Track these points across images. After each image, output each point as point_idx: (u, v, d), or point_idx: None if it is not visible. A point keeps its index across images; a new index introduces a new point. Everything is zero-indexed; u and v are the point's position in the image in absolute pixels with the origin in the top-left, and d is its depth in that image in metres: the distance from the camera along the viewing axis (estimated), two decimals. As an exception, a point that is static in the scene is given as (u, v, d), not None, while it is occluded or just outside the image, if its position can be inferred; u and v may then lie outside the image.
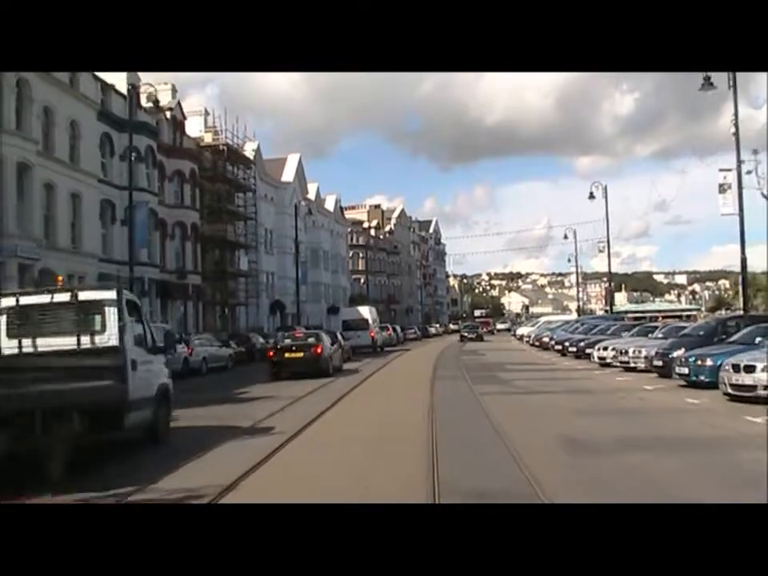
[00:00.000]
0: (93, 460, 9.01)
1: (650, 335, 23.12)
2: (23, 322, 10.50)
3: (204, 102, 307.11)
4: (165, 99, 44.22)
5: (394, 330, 56.46)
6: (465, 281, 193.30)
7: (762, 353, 13.64)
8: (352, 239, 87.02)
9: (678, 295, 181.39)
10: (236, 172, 51.04)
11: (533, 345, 41.02)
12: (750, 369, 12.91)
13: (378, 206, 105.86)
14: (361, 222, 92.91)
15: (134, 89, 38.47)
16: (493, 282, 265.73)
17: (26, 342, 10.22)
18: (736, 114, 26.12)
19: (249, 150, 54.79)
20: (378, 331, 45.13)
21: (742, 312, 25.96)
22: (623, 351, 21.71)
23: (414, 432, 10.89)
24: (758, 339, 15.57)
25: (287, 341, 25.55)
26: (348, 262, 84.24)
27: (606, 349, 23.56)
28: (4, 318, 10.50)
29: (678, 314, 56.56)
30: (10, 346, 10.25)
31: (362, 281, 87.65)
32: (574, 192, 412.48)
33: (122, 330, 10.27)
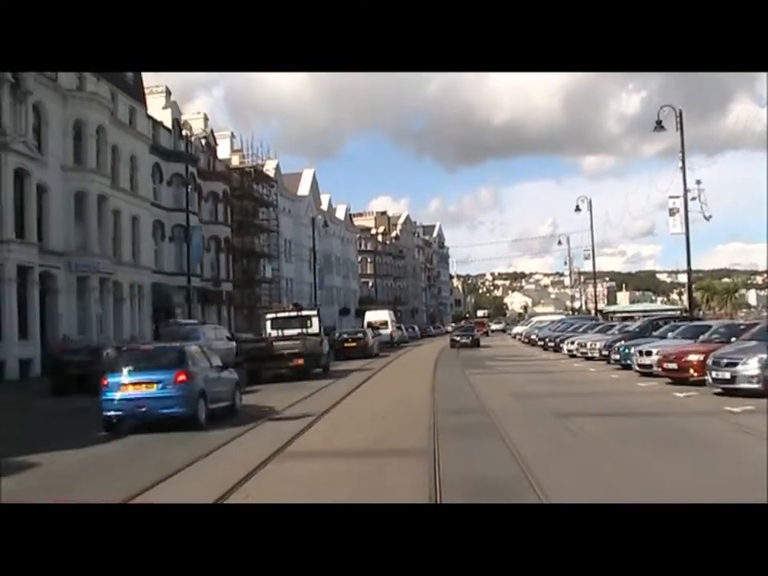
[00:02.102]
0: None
1: (608, 332, 29.16)
2: (277, 323, 27.47)
3: (210, 102, 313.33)
4: (198, 127, 50.76)
5: (413, 328, 66.73)
6: (469, 281, 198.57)
7: (661, 342, 19.80)
8: (360, 245, 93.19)
9: (668, 296, 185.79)
10: (261, 190, 57.24)
11: (523, 342, 47.13)
12: (648, 353, 19.03)
13: (384, 213, 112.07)
14: (369, 229, 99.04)
15: (177, 123, 44.96)
16: (497, 282, 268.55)
17: (280, 332, 26.34)
18: (683, 153, 32.02)
19: (270, 168, 61.06)
20: (396, 330, 52.98)
21: (686, 313, 32.09)
22: (583, 344, 27.88)
23: (424, 387, 17.39)
24: (669, 334, 21.66)
25: (344, 335, 37.88)
26: (357, 267, 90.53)
27: (572, 343, 29.70)
28: (269, 321, 28.09)
29: (661, 313, 61.69)
30: (272, 334, 26.35)
31: (371, 284, 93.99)
32: (578, 192, 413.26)
33: (319, 326, 27.54)
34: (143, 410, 12.32)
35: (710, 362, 14.59)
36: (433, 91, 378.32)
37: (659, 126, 31.67)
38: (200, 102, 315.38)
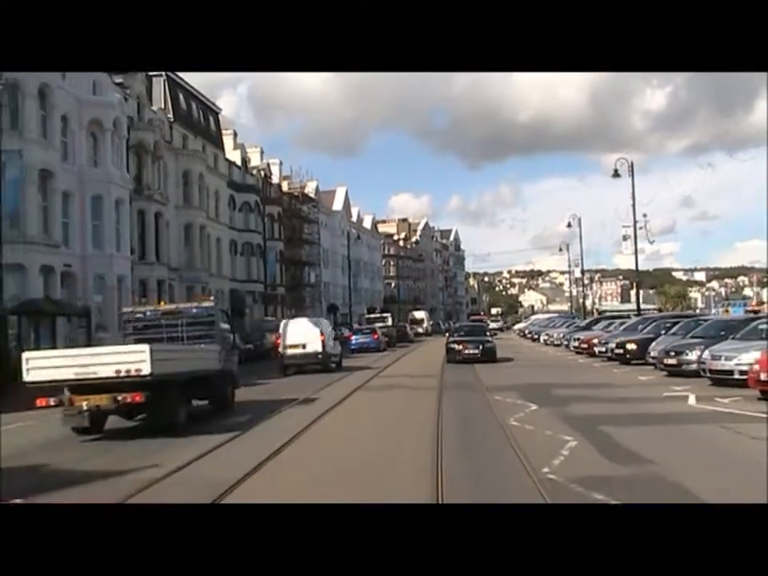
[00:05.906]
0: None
1: (570, 326, 40.60)
2: (369, 320, 56.63)
3: (236, 100, 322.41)
4: (255, 160, 62.68)
5: (449, 323, 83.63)
6: (485, 279, 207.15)
7: (586, 332, 31.32)
8: (384, 249, 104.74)
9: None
10: (305, 209, 69.11)
11: (519, 336, 58.66)
12: (578, 339, 30.51)
13: (405, 220, 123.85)
14: (391, 235, 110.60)
15: (245, 162, 56.89)
16: (513, 279, 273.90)
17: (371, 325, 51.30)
18: (633, 197, 42.94)
19: (310, 189, 72.88)
20: (429, 325, 71.00)
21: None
22: (551, 335, 39.48)
23: (440, 355, 29.19)
24: (608, 327, 33.08)
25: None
26: (381, 270, 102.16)
27: (545, 334, 41.29)
28: (366, 319, 44.07)
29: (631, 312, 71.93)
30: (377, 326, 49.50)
31: (393, 285, 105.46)
32: (600, 189, 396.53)
33: (391, 321, 57.42)
34: (365, 346, 40.15)
35: (598, 342, 26.16)
36: (458, 88, 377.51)
37: (616, 173, 42.70)
38: (225, 98, 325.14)
